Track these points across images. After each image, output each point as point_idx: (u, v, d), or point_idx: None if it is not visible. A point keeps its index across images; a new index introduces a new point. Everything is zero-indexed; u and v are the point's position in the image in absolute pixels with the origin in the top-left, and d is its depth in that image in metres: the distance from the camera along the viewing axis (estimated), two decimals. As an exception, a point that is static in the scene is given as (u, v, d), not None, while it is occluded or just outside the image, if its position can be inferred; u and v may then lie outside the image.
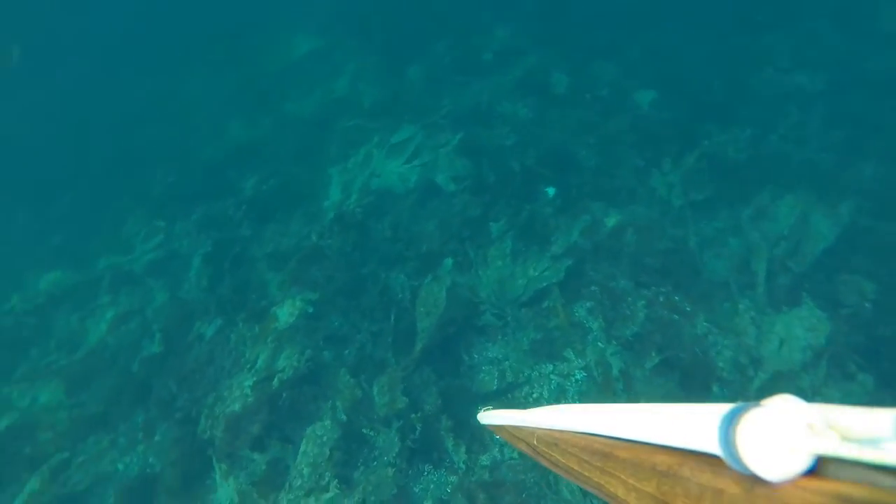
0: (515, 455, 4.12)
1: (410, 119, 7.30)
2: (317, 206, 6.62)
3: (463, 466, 4.17)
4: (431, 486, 4.14)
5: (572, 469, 0.74)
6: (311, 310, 5.46)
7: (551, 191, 6.60)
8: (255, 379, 4.68)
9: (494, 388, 4.69)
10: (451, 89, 8.02)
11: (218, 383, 5.00)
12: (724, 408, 0.50)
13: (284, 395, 4.54)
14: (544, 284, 5.29)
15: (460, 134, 6.94)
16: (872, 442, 0.40)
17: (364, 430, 4.48)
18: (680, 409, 0.57)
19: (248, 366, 4.92)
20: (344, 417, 4.53)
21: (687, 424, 0.53)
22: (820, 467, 0.42)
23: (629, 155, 6.61)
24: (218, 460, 4.37)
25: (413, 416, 4.40)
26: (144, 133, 9.51)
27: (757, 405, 0.47)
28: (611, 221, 5.86)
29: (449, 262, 5.89)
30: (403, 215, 6.32)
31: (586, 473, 0.69)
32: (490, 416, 1.24)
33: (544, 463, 0.90)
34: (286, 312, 5.33)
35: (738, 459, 0.45)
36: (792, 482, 0.42)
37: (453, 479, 4.15)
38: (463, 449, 4.20)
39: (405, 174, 6.60)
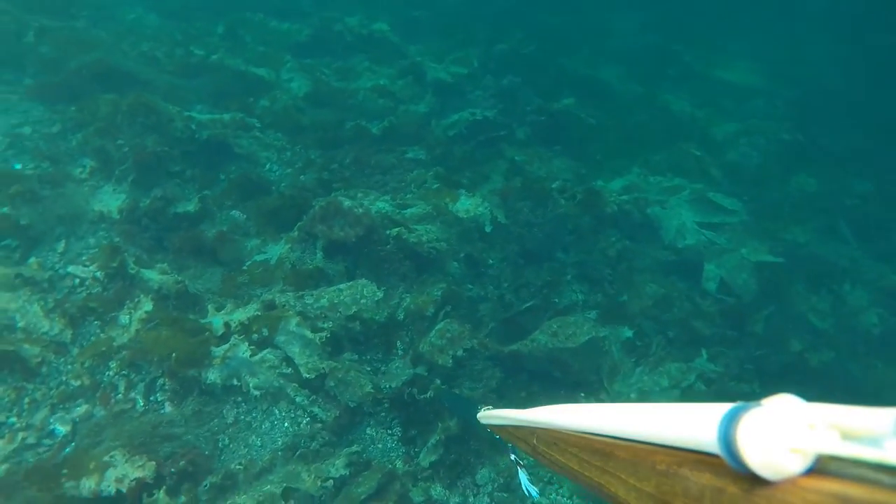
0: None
1: (747, 199, 5.86)
2: (586, 168, 5.84)
3: (417, 468, 3.31)
4: (378, 444, 3.40)
5: (572, 469, 0.73)
6: (488, 228, 4.89)
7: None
8: (386, 209, 4.36)
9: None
10: (807, 224, 6.14)
11: (376, 180, 4.89)
12: (724, 407, 0.46)
13: (389, 246, 4.12)
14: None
15: (782, 260, 5.32)
16: (873, 441, 0.38)
17: (397, 343, 3.86)
18: (680, 408, 0.54)
19: (397, 202, 4.61)
20: (401, 316, 3.96)
21: (687, 424, 0.51)
22: (820, 466, 0.40)
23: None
24: (307, 222, 4.19)
25: (439, 382, 3.61)
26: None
27: (757, 405, 0.44)
28: None
29: (627, 333, 4.70)
30: (640, 256, 5.18)
31: (586, 473, 0.68)
32: (490, 416, 1.24)
33: (544, 462, 0.88)
34: (467, 206, 4.83)
35: (738, 459, 0.43)
36: (792, 481, 0.40)
37: (399, 464, 3.33)
38: (435, 457, 3.32)
39: (686, 230, 5.34)
